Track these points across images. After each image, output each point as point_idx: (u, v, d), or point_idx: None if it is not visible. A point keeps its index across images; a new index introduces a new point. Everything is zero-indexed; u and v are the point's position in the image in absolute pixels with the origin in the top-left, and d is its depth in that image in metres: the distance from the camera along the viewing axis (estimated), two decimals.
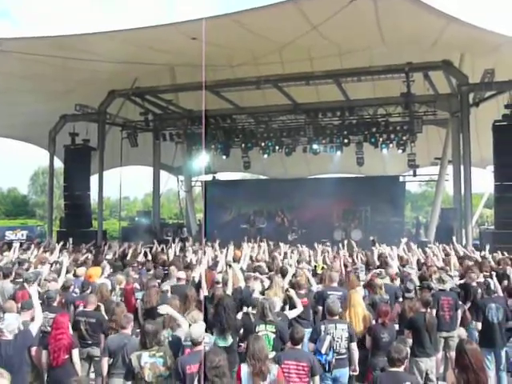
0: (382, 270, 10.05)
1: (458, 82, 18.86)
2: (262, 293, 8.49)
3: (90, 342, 7.38)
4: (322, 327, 6.67)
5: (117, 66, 18.31)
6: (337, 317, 6.83)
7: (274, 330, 6.64)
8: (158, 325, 6.02)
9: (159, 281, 9.91)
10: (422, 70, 18.48)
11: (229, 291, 8.17)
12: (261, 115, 23.83)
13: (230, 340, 6.66)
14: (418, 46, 17.95)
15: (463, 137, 18.73)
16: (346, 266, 11.19)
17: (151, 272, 11.01)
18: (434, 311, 8.22)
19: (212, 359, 4.74)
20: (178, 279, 9.41)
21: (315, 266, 11.48)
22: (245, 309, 7.80)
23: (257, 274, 9.52)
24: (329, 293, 8.57)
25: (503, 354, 7.84)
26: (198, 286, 8.62)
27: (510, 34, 14.11)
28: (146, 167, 29.39)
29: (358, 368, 6.81)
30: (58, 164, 25.10)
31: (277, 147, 24.53)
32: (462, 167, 19.32)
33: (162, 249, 16.53)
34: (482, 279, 9.45)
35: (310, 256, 13.13)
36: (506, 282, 9.40)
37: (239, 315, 7.70)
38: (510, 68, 17.08)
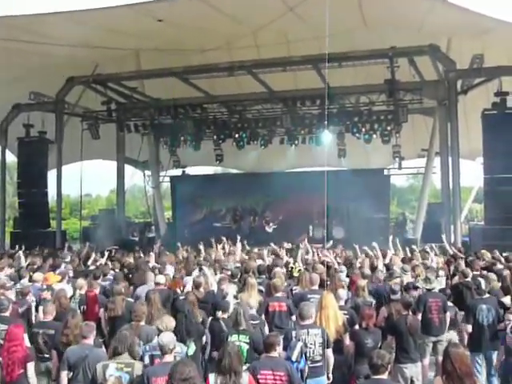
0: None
1: (446, 68, 19.04)
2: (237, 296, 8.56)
3: (48, 355, 7.19)
4: (293, 333, 6.69)
5: (75, 51, 18.07)
6: (310, 321, 6.82)
7: (248, 341, 6.64)
8: (132, 335, 5.98)
9: (125, 284, 9.89)
10: (407, 55, 18.53)
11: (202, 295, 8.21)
12: (234, 104, 23.80)
13: (192, 348, 6.68)
14: (403, 30, 18.07)
15: (451, 127, 18.95)
16: (328, 267, 11.28)
17: (108, 277, 11.04)
18: (420, 314, 8.31)
19: (181, 370, 4.65)
20: (157, 284, 9.43)
21: (291, 268, 11.57)
22: (219, 314, 7.84)
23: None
24: (310, 296, 8.60)
25: (494, 357, 7.85)
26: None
27: (500, 17, 14.30)
28: (109, 161, 29.11)
29: (331, 376, 6.85)
30: (11, 158, 24.74)
31: (252, 139, 24.69)
32: (450, 159, 19.54)
33: (134, 251, 16.58)
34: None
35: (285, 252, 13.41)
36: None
37: (209, 321, 7.75)
38: (500, 53, 17.30)
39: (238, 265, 12.12)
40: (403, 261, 12.09)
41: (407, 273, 10.45)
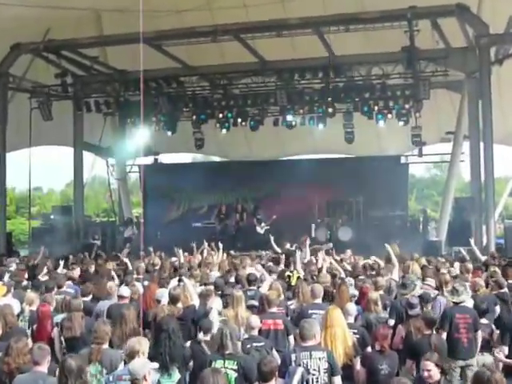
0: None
1: (476, 33, 19.08)
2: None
3: None
4: (293, 356, 6.66)
5: (22, 11, 17.91)
6: (312, 342, 6.81)
7: (236, 367, 6.58)
8: (83, 360, 5.98)
9: (87, 299, 9.88)
10: (430, 16, 18.52)
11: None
12: (218, 77, 23.81)
13: (176, 376, 6.67)
14: None
15: (483, 104, 18.99)
16: (334, 275, 11.30)
17: (64, 289, 11.04)
18: (445, 333, 8.32)
19: None
20: (120, 298, 9.48)
21: (289, 277, 11.62)
22: (200, 335, 7.86)
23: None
24: (311, 312, 8.66)
25: None
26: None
27: None
28: (65, 148, 29.01)
29: None
30: None
31: (239, 119, 24.59)
32: (481, 144, 19.67)
33: (96, 255, 16.54)
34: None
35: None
36: None
37: (188, 344, 7.77)
38: None
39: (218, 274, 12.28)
40: (423, 268, 12.15)
41: (428, 283, 10.54)
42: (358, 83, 22.42)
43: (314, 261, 13.96)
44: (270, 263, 14.16)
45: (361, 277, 11.88)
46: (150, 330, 8.55)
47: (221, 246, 15.83)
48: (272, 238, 17.08)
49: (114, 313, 8.94)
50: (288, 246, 17.37)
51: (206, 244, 16.66)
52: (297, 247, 15.94)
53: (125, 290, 9.65)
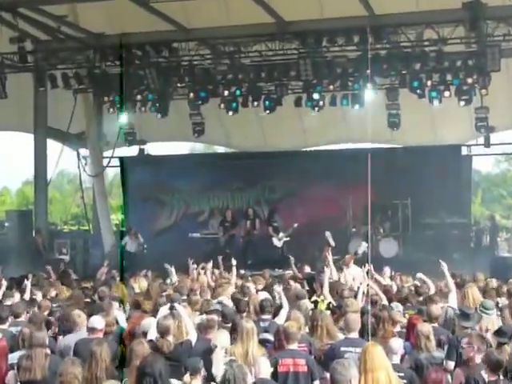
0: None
1: None
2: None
3: None
4: None
5: None
6: None
7: None
8: None
9: (50, 333, 9.95)
10: None
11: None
12: (222, 43, 23.90)
13: None
14: None
15: None
16: (374, 302, 11.32)
17: (22, 318, 11.03)
18: None
19: None
20: (91, 330, 9.56)
21: (315, 302, 11.64)
22: (186, 378, 7.93)
23: None
24: (343, 349, 8.77)
25: None
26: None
27: None
28: (23, 135, 29.14)
29: None
30: None
31: (250, 98, 24.90)
32: None
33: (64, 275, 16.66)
34: None
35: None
36: None
37: None
38: None
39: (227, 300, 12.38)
40: (486, 293, 12.14)
41: (491, 313, 10.41)
42: (405, 51, 22.50)
43: (344, 280, 14.00)
44: (297, 285, 14.27)
45: (408, 304, 11.89)
46: (129, 373, 8.57)
47: (234, 262, 15.68)
48: (292, 260, 17.23)
49: (81, 350, 9.00)
50: (308, 269, 17.33)
51: (210, 263, 16.72)
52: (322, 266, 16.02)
53: (97, 321, 9.70)
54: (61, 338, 10.35)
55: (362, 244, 19.05)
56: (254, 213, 26.10)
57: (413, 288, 13.77)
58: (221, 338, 8.98)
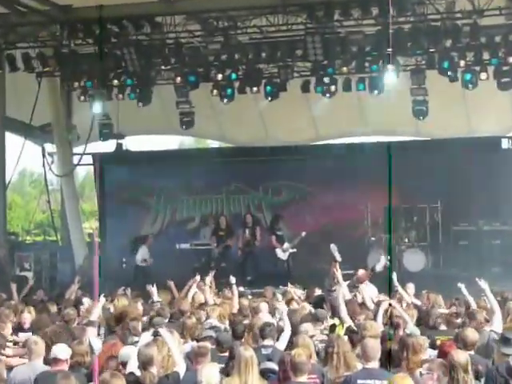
0: None
1: None
2: None
3: None
4: None
5: None
6: None
7: None
8: None
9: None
10: None
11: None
12: (214, 17, 23.73)
13: None
14: None
15: None
16: (397, 325, 11.32)
17: None
18: None
19: None
20: (54, 361, 9.44)
21: (333, 326, 12.12)
22: None
23: None
24: (360, 382, 8.78)
25: None
26: None
27: None
28: None
29: None
30: None
31: (248, 83, 24.73)
32: None
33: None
34: None
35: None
36: None
37: None
38: None
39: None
40: None
41: None
42: (433, 24, 22.39)
43: (360, 299, 13.94)
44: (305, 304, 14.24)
45: (440, 328, 11.79)
46: None
47: (233, 280, 16.06)
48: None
49: None
50: (319, 292, 17.24)
51: (197, 277, 16.71)
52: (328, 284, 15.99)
53: (60, 350, 9.56)
54: (15, 369, 10.19)
55: (381, 259, 18.84)
56: (253, 219, 26.08)
57: (445, 308, 13.67)
58: (208, 373, 8.76)
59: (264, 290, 17.55)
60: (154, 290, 15.40)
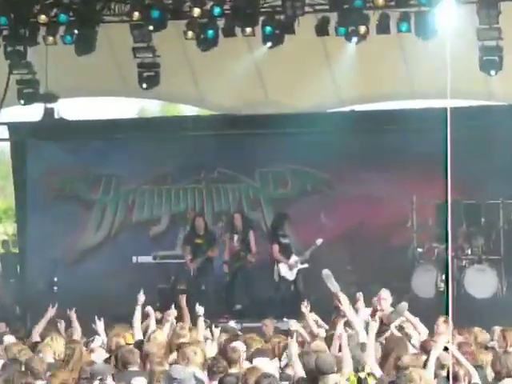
0: None
1: None
2: None
3: None
4: None
5: None
6: None
7: None
8: None
9: None
10: None
11: None
12: None
13: None
14: None
15: None
16: (456, 377, 11.33)
17: None
18: None
19: None
20: None
21: (359, 379, 11.98)
22: None
23: None
24: None
25: None
26: None
27: None
28: None
29: None
30: None
31: (239, 21, 24.82)
32: None
33: None
34: None
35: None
36: None
37: None
38: None
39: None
40: None
41: None
42: None
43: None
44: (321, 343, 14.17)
45: None
46: None
47: (200, 311, 16.24)
48: (308, 314, 16.89)
49: None
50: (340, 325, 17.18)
51: (172, 310, 16.71)
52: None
53: None
54: None
55: (401, 305, 18.43)
56: (246, 221, 25.98)
57: None
58: None
59: (261, 324, 17.47)
60: (99, 325, 15.24)
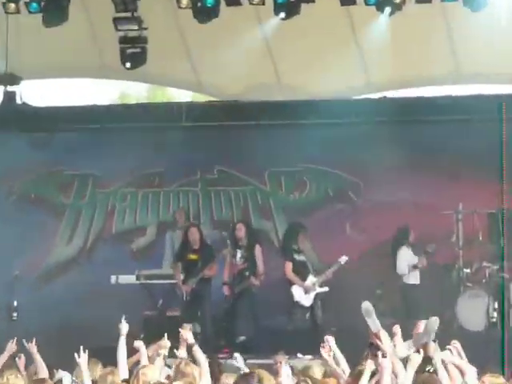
0: None
1: None
2: None
3: None
4: None
5: None
6: None
7: None
8: None
9: None
10: None
11: None
12: None
13: None
14: None
15: None
16: None
17: None
18: None
19: None
20: None
21: None
22: None
23: None
24: None
25: None
26: None
27: None
28: None
29: None
30: None
31: None
32: None
33: None
34: None
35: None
36: None
37: None
38: None
39: None
40: None
41: None
42: None
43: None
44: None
45: None
46: None
47: (189, 337, 15.67)
48: (332, 343, 16.78)
49: None
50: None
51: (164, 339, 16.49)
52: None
53: None
54: None
55: (431, 322, 18.26)
56: (251, 232, 25.97)
57: None
58: None
59: (273, 360, 17.50)
60: (82, 360, 15.25)
